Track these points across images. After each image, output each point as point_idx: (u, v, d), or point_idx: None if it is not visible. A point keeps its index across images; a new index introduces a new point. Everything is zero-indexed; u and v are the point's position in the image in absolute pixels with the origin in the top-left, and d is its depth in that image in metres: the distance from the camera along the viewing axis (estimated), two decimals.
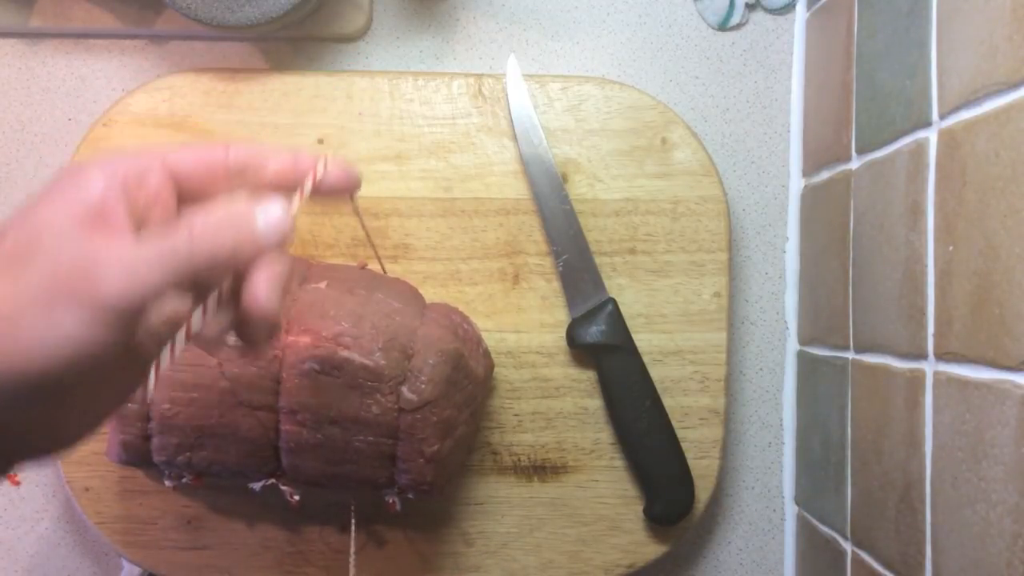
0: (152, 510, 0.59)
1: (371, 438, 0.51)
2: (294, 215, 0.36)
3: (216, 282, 0.35)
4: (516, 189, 0.61)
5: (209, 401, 0.51)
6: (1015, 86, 0.38)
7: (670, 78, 0.65)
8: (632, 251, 0.61)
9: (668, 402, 0.60)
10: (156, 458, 0.52)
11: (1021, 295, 0.38)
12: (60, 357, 0.31)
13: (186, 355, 0.50)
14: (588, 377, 0.61)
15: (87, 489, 0.59)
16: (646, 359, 0.60)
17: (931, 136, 0.45)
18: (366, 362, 0.50)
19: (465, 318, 0.57)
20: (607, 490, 0.61)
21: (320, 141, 0.61)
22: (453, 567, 0.61)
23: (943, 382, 0.44)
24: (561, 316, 0.61)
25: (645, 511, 0.60)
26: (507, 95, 0.61)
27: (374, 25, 0.65)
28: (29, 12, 0.62)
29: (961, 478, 0.42)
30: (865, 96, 0.54)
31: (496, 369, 0.60)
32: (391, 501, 0.55)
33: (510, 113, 0.61)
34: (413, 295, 0.56)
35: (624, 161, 0.61)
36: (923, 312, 0.46)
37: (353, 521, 0.57)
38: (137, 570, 0.61)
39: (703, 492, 0.61)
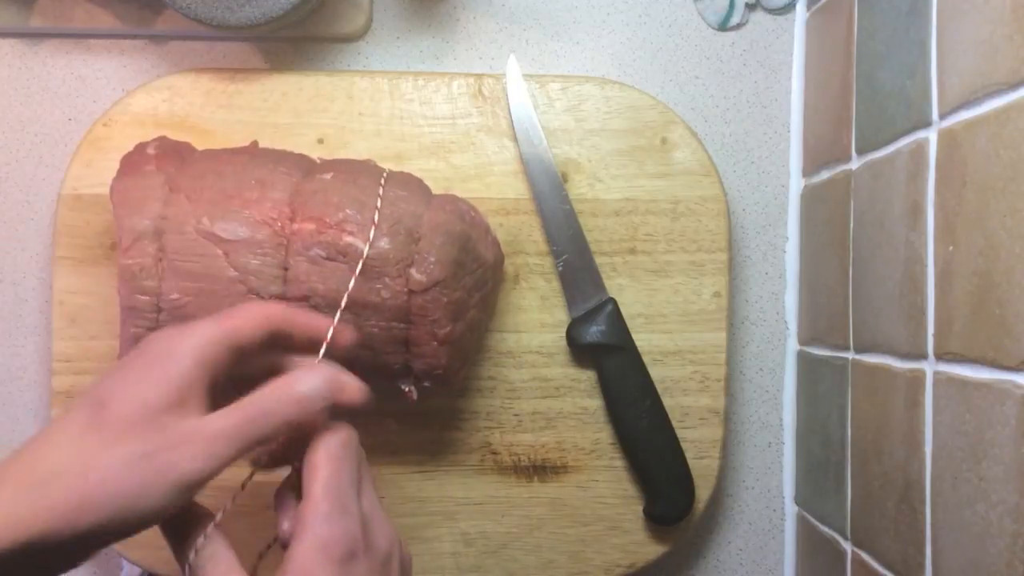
0: None
1: (383, 322, 0.51)
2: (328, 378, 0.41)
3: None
4: (516, 189, 0.61)
5: (217, 291, 0.50)
6: (1015, 86, 0.38)
7: (670, 78, 0.65)
8: (632, 251, 0.61)
9: (668, 402, 0.60)
10: None
11: (1021, 295, 0.38)
12: (141, 517, 0.37)
13: (192, 245, 0.50)
14: (588, 377, 0.61)
15: None
16: (646, 359, 0.60)
17: (931, 136, 0.45)
18: (371, 246, 0.50)
19: (472, 207, 0.56)
20: (607, 490, 0.61)
21: (320, 141, 0.61)
22: (453, 567, 0.61)
23: (943, 382, 0.44)
24: (561, 316, 0.61)
25: (645, 511, 0.60)
26: (507, 95, 0.61)
27: (374, 25, 0.65)
28: (29, 12, 0.62)
29: (961, 478, 0.42)
30: (865, 96, 0.54)
31: (496, 369, 0.60)
32: (408, 390, 0.54)
33: (510, 113, 0.61)
34: (418, 185, 0.56)
35: (624, 161, 0.61)
36: (923, 312, 0.46)
37: None
38: (137, 570, 0.61)
39: (703, 492, 0.61)
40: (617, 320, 0.60)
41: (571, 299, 0.60)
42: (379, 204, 0.52)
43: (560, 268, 0.60)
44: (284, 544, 0.41)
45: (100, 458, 0.36)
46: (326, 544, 0.39)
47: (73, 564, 0.38)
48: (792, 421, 0.66)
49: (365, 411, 0.62)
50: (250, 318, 0.41)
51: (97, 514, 0.35)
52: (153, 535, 0.40)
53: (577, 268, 0.60)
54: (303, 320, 0.44)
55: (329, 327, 0.44)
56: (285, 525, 0.42)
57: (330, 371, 0.42)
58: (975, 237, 0.41)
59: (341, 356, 0.52)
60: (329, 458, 0.41)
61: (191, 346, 0.39)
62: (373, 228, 0.51)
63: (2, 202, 0.64)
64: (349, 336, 0.45)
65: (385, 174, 0.54)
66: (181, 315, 0.51)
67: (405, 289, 0.51)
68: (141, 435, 0.37)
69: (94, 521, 0.35)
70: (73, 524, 0.35)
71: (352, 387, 0.42)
